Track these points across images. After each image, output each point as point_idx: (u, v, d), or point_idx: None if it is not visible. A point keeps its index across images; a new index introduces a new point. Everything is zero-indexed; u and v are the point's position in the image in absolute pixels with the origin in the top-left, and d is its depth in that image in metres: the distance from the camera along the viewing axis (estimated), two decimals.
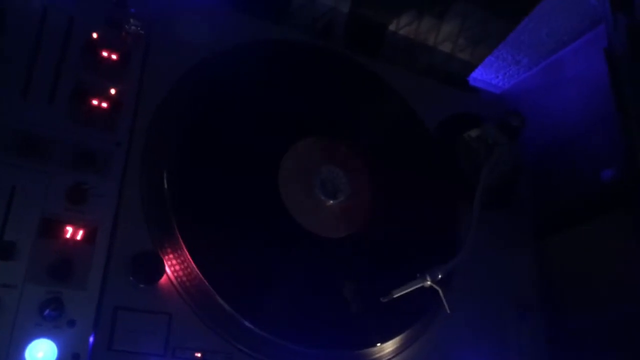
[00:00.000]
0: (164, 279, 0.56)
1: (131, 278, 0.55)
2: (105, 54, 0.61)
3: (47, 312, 0.50)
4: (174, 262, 0.57)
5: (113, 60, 0.61)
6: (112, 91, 0.60)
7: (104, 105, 0.59)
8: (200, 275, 0.57)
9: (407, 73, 0.82)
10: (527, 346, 0.74)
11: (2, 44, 0.57)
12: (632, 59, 0.77)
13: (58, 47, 0.59)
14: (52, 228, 0.53)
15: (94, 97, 0.59)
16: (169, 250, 0.57)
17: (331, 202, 0.66)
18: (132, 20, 0.62)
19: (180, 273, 0.57)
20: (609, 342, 0.72)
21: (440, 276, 0.63)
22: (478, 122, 0.77)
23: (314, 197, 0.66)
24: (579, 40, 0.87)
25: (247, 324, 0.57)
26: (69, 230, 0.54)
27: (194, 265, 0.57)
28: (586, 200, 0.79)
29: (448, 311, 0.64)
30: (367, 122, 0.75)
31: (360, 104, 0.76)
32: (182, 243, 0.57)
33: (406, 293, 0.63)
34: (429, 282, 0.63)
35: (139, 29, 0.63)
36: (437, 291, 0.63)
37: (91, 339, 0.52)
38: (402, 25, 0.79)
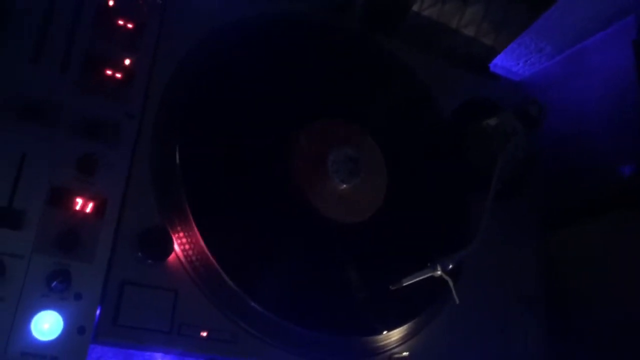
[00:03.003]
0: (172, 255, 0.56)
1: (139, 254, 0.54)
2: (121, 22, 0.60)
3: (54, 284, 0.49)
4: (183, 239, 0.56)
5: (128, 30, 0.60)
6: (127, 62, 0.59)
7: (118, 75, 0.58)
8: (209, 254, 0.56)
9: (427, 55, 0.80)
10: (530, 339, 0.73)
11: (15, 8, 0.55)
12: None
13: (72, 14, 0.58)
14: (62, 198, 0.53)
15: (108, 67, 0.58)
16: (178, 227, 0.57)
17: (344, 185, 0.65)
18: None
19: (189, 250, 0.56)
20: (612, 341, 0.72)
21: (451, 266, 0.62)
22: (496, 108, 0.75)
23: (327, 180, 0.64)
24: (606, 30, 0.84)
25: (253, 304, 0.57)
26: (79, 202, 0.53)
27: (203, 244, 0.56)
28: (599, 196, 0.78)
29: (457, 301, 0.63)
30: (382, 104, 0.73)
31: (376, 84, 0.74)
32: (192, 220, 0.56)
33: (415, 282, 0.62)
34: (439, 272, 0.62)
35: None
36: (446, 281, 0.62)
37: (97, 313, 0.52)
38: (426, 7, 0.76)
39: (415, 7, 0.76)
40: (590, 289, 0.76)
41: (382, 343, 0.63)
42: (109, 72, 0.58)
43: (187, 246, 0.56)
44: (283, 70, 0.68)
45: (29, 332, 0.48)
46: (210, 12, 0.66)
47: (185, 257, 0.57)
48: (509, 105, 0.76)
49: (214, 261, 0.56)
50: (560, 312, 0.77)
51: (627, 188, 0.73)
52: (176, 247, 0.56)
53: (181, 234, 0.57)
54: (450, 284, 0.62)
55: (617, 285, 0.73)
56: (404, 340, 0.64)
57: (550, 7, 0.79)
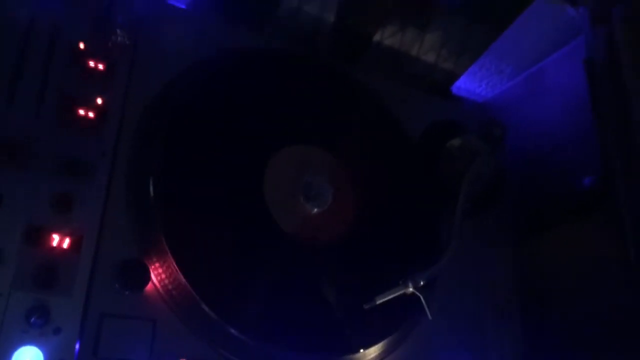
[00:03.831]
0: (149, 285, 0.57)
1: (117, 285, 0.56)
2: (92, 63, 0.62)
3: (33, 319, 0.51)
4: (159, 269, 0.58)
5: (100, 70, 0.62)
6: (99, 101, 0.61)
7: (91, 115, 0.60)
8: (186, 282, 0.57)
9: (391, 82, 0.83)
10: (507, 348, 0.75)
11: None
12: (610, 71, 0.79)
13: (44, 56, 0.60)
14: (38, 235, 0.54)
15: (81, 106, 0.60)
16: (154, 257, 0.58)
17: (315, 209, 0.67)
18: (118, 31, 0.63)
19: (166, 280, 0.58)
20: (586, 344, 0.74)
21: (422, 282, 0.64)
22: (460, 130, 0.79)
23: (299, 205, 0.67)
24: (560, 50, 0.88)
25: (231, 330, 0.58)
26: (55, 238, 0.55)
27: (179, 272, 0.57)
28: (565, 206, 0.81)
29: (430, 317, 0.65)
30: (350, 130, 0.76)
31: (344, 112, 0.77)
32: (168, 250, 0.58)
33: (389, 299, 0.64)
34: (411, 289, 0.64)
35: (125, 39, 0.64)
36: (419, 297, 0.64)
37: (77, 346, 0.53)
38: (387, 36, 0.80)
39: (376, 37, 0.79)
40: (559, 295, 0.78)
41: None
42: (81, 112, 0.60)
43: (163, 276, 0.58)
44: (253, 102, 0.70)
45: None
46: (179, 52, 0.68)
47: (162, 286, 0.58)
48: (474, 125, 0.79)
49: (190, 289, 0.57)
50: (534, 318, 0.79)
51: (586, 198, 0.76)
52: (153, 277, 0.58)
53: (157, 264, 0.58)
54: (422, 300, 0.64)
55: (586, 288, 0.75)
56: (380, 357, 0.66)
57: (507, 29, 0.83)
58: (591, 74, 0.79)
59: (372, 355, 0.65)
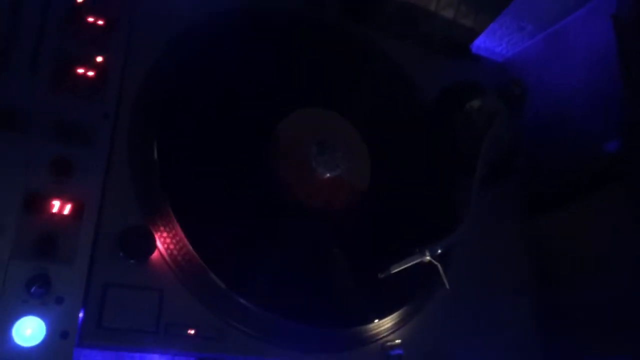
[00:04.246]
0: (155, 254, 0.55)
1: (121, 253, 0.53)
2: (90, 19, 0.58)
3: (33, 289, 0.48)
4: (165, 236, 0.55)
5: (99, 27, 0.59)
6: (99, 59, 0.58)
7: (90, 74, 0.57)
8: (193, 250, 0.55)
9: (406, 41, 0.80)
10: (521, 325, 0.73)
11: None
12: (639, 26, 0.75)
13: (39, 12, 0.56)
14: (38, 203, 0.51)
15: (79, 65, 0.56)
16: (160, 224, 0.56)
17: (327, 174, 0.64)
18: None
19: (172, 248, 0.55)
20: (602, 323, 0.71)
21: (439, 251, 0.62)
22: (479, 91, 0.75)
23: (310, 170, 0.63)
24: (585, 6, 0.84)
25: (241, 300, 0.56)
26: (55, 204, 0.52)
27: (186, 240, 0.55)
28: (586, 175, 0.77)
29: (447, 287, 0.62)
30: (364, 92, 0.73)
31: (357, 73, 0.74)
32: (173, 217, 0.55)
33: (404, 269, 0.61)
34: (428, 258, 0.61)
35: None
36: (436, 267, 0.62)
37: (80, 316, 0.51)
38: None
39: None
40: (577, 272, 0.75)
41: (374, 332, 0.62)
42: (80, 71, 0.56)
43: (170, 244, 0.56)
44: (261, 63, 0.67)
45: (10, 338, 0.47)
46: (182, 8, 0.64)
47: (169, 255, 0.56)
48: (494, 86, 0.76)
49: (198, 258, 0.55)
50: (549, 297, 0.77)
51: (614, 163, 0.73)
52: (159, 245, 0.55)
53: (164, 232, 0.56)
54: (440, 268, 0.62)
55: (605, 265, 0.73)
56: (395, 328, 0.64)
57: None
58: (620, 30, 0.75)
59: (387, 326, 0.63)
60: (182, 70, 0.62)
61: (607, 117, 0.76)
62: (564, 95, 0.83)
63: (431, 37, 0.81)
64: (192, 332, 0.54)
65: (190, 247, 0.55)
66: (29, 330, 0.48)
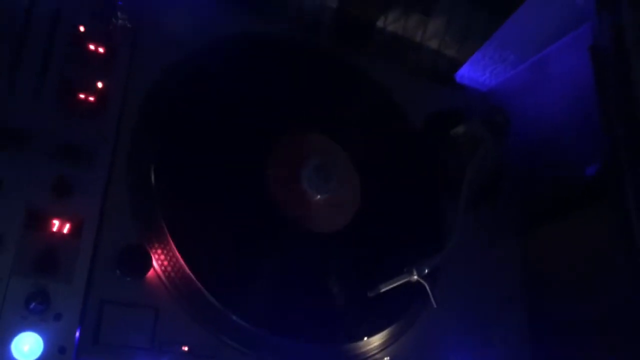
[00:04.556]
0: (151, 272, 0.56)
1: (118, 271, 0.55)
2: (92, 47, 0.61)
3: (32, 305, 0.50)
4: (161, 255, 0.57)
5: (100, 54, 0.61)
6: (99, 85, 0.60)
7: (91, 99, 0.59)
8: (187, 270, 0.57)
9: (394, 70, 0.82)
10: (511, 339, 0.75)
11: None
12: (616, 58, 0.78)
13: (44, 41, 0.59)
14: (38, 220, 0.53)
15: (81, 91, 0.59)
16: (156, 244, 0.57)
17: (318, 196, 0.66)
18: (119, 14, 0.62)
19: (168, 267, 0.57)
20: (591, 334, 0.73)
21: (426, 270, 0.64)
22: (464, 118, 0.78)
23: (302, 192, 0.66)
24: (565, 38, 0.87)
25: (234, 318, 0.57)
26: (56, 223, 0.54)
27: (181, 259, 0.57)
28: (569, 195, 0.80)
29: (435, 305, 0.64)
30: (353, 117, 0.75)
31: (347, 100, 0.76)
32: (169, 237, 0.57)
33: (393, 287, 0.63)
34: (415, 277, 0.63)
35: (126, 22, 0.62)
36: (424, 285, 0.64)
37: (77, 333, 0.52)
38: (390, 22, 0.79)
39: (379, 23, 0.78)
40: (565, 286, 0.77)
41: (363, 350, 0.63)
42: (82, 96, 0.59)
43: (165, 263, 0.57)
44: (255, 88, 0.69)
45: (9, 354, 0.48)
46: (181, 36, 0.67)
47: (165, 273, 0.57)
48: (478, 114, 0.79)
49: (192, 277, 0.57)
50: (540, 311, 0.78)
51: (591, 187, 0.76)
52: (155, 264, 0.57)
53: (159, 251, 0.57)
54: (427, 287, 0.64)
55: (592, 279, 0.75)
56: (385, 345, 0.65)
57: (511, 15, 0.82)
58: (597, 61, 0.78)
59: (377, 344, 0.64)
60: (179, 97, 0.64)
61: (587, 142, 0.79)
62: (548, 121, 0.86)
63: (418, 65, 0.84)
64: (185, 349, 0.56)
65: (185, 266, 0.57)
66: (27, 346, 0.49)
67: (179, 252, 0.57)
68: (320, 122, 0.72)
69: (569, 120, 0.83)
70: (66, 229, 0.54)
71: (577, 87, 0.83)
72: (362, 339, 0.63)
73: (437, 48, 0.82)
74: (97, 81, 0.60)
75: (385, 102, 0.79)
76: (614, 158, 0.74)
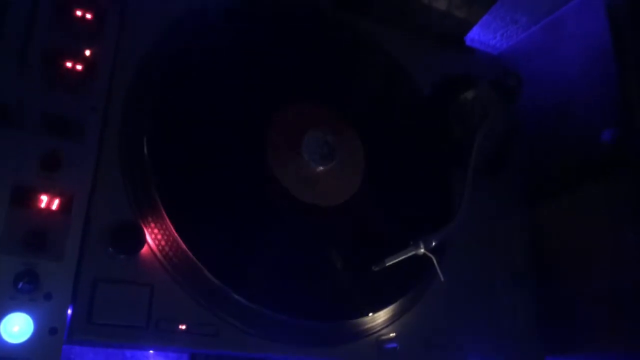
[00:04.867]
0: (145, 249, 0.54)
1: (110, 249, 0.53)
2: (79, 13, 0.58)
3: (21, 284, 0.48)
4: (155, 231, 0.55)
5: (87, 20, 0.58)
6: (87, 52, 0.57)
7: (79, 67, 0.56)
8: (183, 245, 0.54)
9: (401, 33, 0.79)
10: (520, 314, 0.72)
11: None
12: (634, 16, 0.75)
13: (27, 6, 0.56)
14: (26, 197, 0.51)
15: (68, 59, 0.56)
16: (150, 219, 0.55)
17: (321, 168, 0.63)
18: None
19: (163, 243, 0.55)
20: (601, 310, 0.71)
21: (434, 243, 0.61)
22: (473, 83, 0.74)
23: (303, 163, 0.63)
24: None
25: (233, 295, 0.55)
26: (44, 199, 0.51)
27: (177, 235, 0.54)
28: (583, 164, 0.77)
29: (442, 279, 0.62)
30: (358, 84, 0.72)
31: (351, 65, 0.73)
32: (163, 212, 0.55)
33: (399, 261, 0.60)
34: (422, 250, 0.61)
35: None
36: (431, 259, 0.61)
37: (69, 312, 0.50)
38: None
39: None
40: (576, 261, 0.75)
41: (368, 326, 0.61)
42: (69, 65, 0.56)
43: (160, 239, 0.55)
44: (254, 55, 0.66)
45: None
46: (173, 1, 0.64)
47: (160, 250, 0.55)
48: (488, 78, 0.75)
49: (189, 253, 0.54)
50: (548, 286, 0.76)
51: (606, 155, 0.72)
52: (149, 240, 0.55)
53: (154, 227, 0.55)
54: (434, 261, 0.61)
55: (604, 254, 0.72)
56: (390, 321, 0.63)
57: None
58: (614, 20, 0.75)
59: (382, 319, 0.62)
60: (173, 63, 0.61)
61: (605, 106, 0.75)
62: (561, 86, 0.83)
63: (425, 28, 0.80)
64: (183, 327, 0.54)
65: (181, 242, 0.54)
66: (17, 327, 0.48)
67: (175, 228, 0.54)
68: (323, 90, 0.68)
69: (584, 84, 0.80)
70: (55, 205, 0.52)
71: (592, 49, 0.79)
72: (367, 314, 0.61)
73: (446, 9, 0.78)
74: (85, 49, 0.57)
75: (391, 66, 0.75)
76: (631, 123, 0.71)
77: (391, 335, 0.62)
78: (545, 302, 0.75)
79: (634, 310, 0.67)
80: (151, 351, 0.62)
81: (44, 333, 0.48)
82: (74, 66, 0.56)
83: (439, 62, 0.80)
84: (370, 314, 0.61)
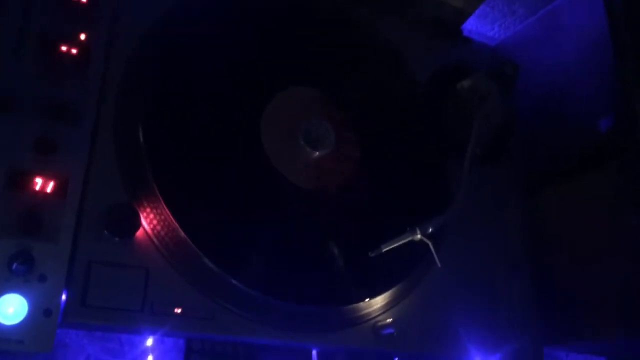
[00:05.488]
0: (140, 232, 0.54)
1: (105, 231, 0.52)
2: None
3: (15, 266, 0.48)
4: (150, 214, 0.54)
5: (82, 3, 0.57)
6: (82, 37, 0.57)
7: (73, 51, 0.56)
8: (179, 229, 0.54)
9: (398, 23, 0.79)
10: (517, 303, 0.72)
11: None
12: (631, 6, 0.74)
13: None
14: (21, 179, 0.50)
15: (62, 43, 0.55)
16: (145, 202, 0.55)
17: (317, 153, 0.63)
18: None
19: (158, 226, 0.54)
20: (600, 299, 0.71)
21: (430, 230, 0.61)
22: (470, 72, 0.74)
23: (299, 149, 0.63)
24: None
25: (229, 280, 0.55)
26: (39, 182, 0.51)
27: (172, 218, 0.54)
28: (579, 154, 0.77)
29: (439, 265, 0.62)
30: (354, 71, 0.72)
31: (347, 53, 0.72)
32: (159, 195, 0.54)
33: (396, 247, 0.60)
34: (419, 236, 0.60)
35: None
36: (428, 245, 0.61)
37: (64, 295, 0.50)
38: None
39: None
40: (573, 252, 0.75)
41: (365, 312, 0.61)
42: (63, 49, 0.56)
43: (155, 223, 0.54)
44: (249, 40, 0.66)
45: None
46: None
47: (155, 234, 0.55)
48: (486, 68, 0.75)
49: (185, 237, 0.54)
50: (546, 274, 0.76)
51: (602, 145, 0.72)
52: (145, 223, 0.54)
53: (149, 211, 0.55)
54: (431, 247, 0.61)
55: (601, 245, 0.72)
56: (387, 307, 0.63)
57: None
58: (611, 10, 0.74)
59: (379, 305, 0.62)
60: (169, 46, 0.60)
61: (602, 95, 0.75)
62: (559, 76, 0.83)
63: (422, 18, 0.80)
64: (178, 311, 0.53)
65: (176, 226, 0.54)
66: (11, 309, 0.47)
67: (170, 211, 0.54)
68: (318, 76, 0.68)
69: (581, 74, 0.79)
70: (50, 187, 0.51)
71: (589, 39, 0.79)
72: (364, 300, 0.60)
73: None
74: (80, 33, 0.57)
75: (388, 55, 0.75)
76: (629, 113, 0.71)
77: (388, 321, 0.61)
78: (544, 291, 0.75)
79: (633, 298, 0.67)
80: (149, 340, 0.62)
81: (39, 314, 0.48)
82: (68, 50, 0.56)
83: (435, 52, 0.79)
84: (367, 300, 0.61)
